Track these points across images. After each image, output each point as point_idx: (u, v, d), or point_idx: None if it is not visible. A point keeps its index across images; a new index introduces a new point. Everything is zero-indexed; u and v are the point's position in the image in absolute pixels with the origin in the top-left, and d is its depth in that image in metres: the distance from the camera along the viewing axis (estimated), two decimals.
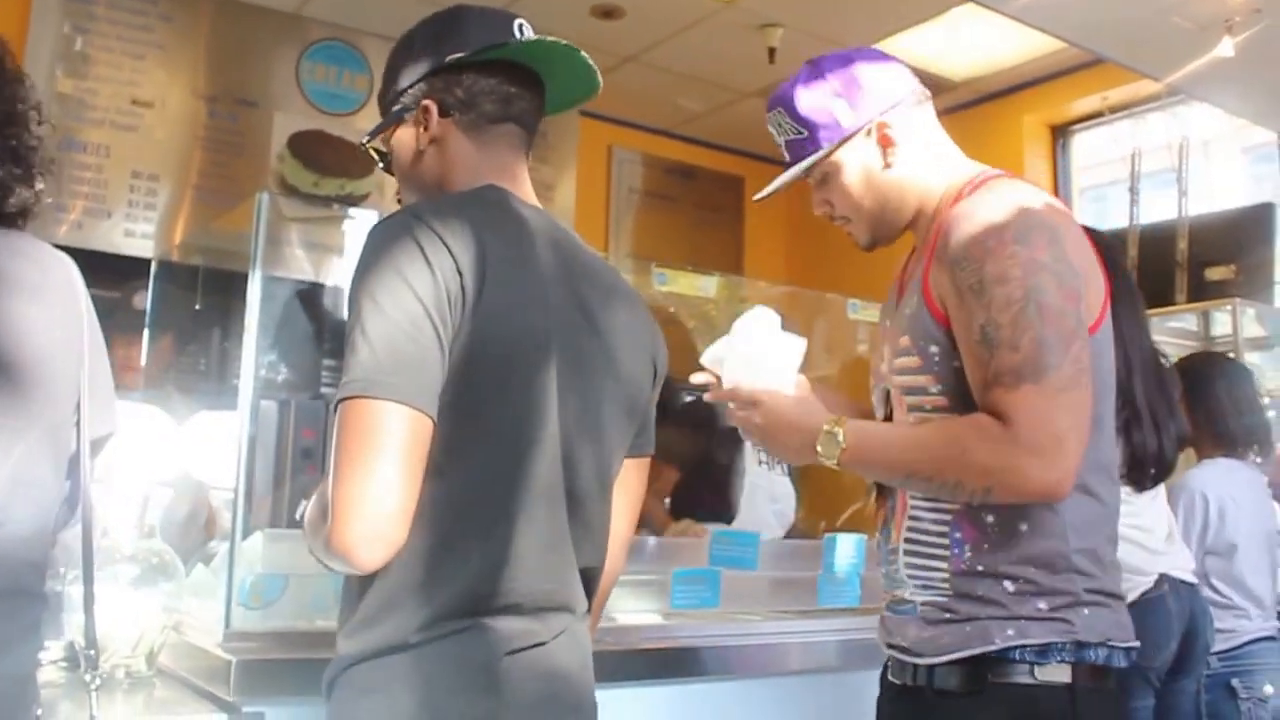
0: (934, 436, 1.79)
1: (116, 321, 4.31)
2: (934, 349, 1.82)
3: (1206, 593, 3.13)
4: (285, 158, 5.75)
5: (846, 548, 2.93)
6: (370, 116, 1.80)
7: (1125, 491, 2.73)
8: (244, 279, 2.22)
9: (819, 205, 2.05)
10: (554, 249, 1.69)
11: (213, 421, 2.73)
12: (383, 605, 1.52)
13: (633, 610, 2.66)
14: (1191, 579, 3.01)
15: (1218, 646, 3.15)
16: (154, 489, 2.33)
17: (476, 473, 1.55)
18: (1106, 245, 2.71)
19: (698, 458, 4.30)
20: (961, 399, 1.80)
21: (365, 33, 5.89)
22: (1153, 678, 2.94)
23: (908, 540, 1.90)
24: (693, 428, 4.26)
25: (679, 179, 7.33)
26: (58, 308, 1.71)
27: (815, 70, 1.96)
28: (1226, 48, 4.43)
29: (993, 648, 1.77)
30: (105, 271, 3.91)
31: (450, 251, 1.51)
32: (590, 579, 1.70)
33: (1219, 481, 3.40)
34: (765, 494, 4.44)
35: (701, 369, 2.01)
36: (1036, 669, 1.76)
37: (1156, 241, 5.80)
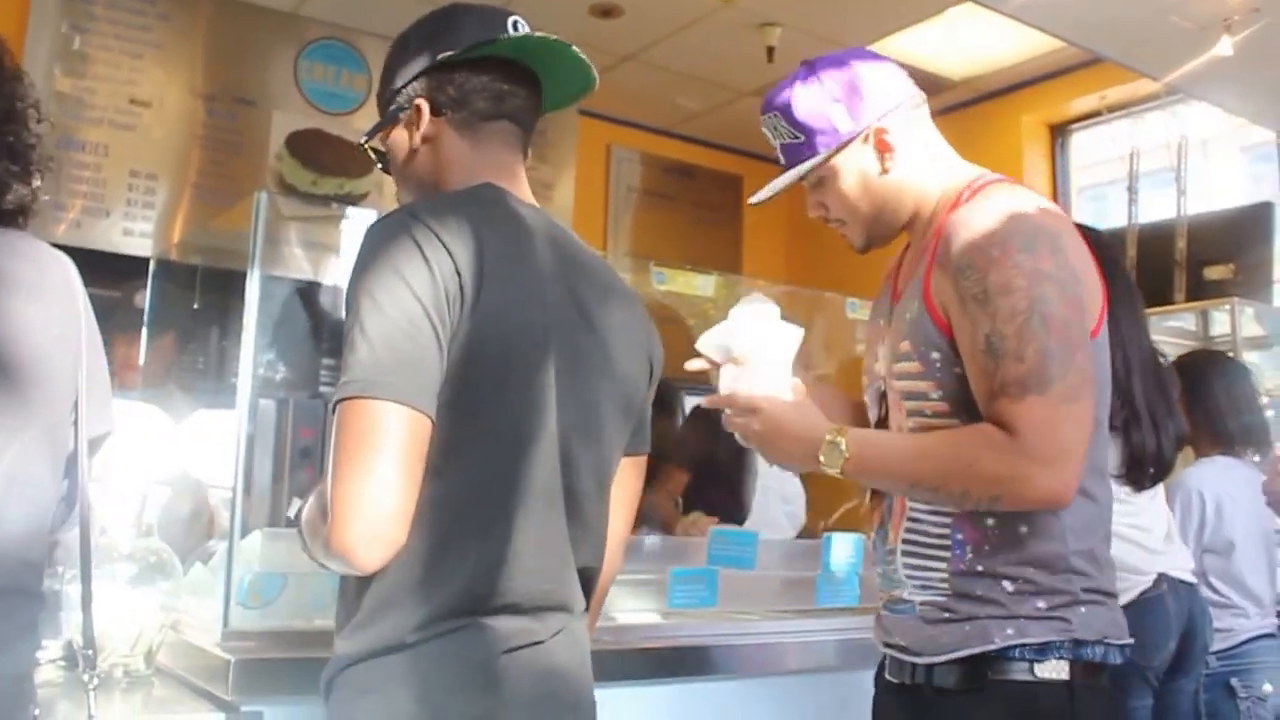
0: (939, 447, 1.79)
1: (117, 320, 4.31)
2: (935, 355, 1.83)
3: (1204, 592, 3.13)
4: (283, 157, 5.75)
5: (845, 547, 2.93)
6: (368, 115, 1.80)
7: (1124, 491, 2.73)
8: (242, 278, 2.22)
9: (814, 208, 2.04)
10: (551, 247, 1.69)
11: (211, 420, 2.73)
12: (380, 605, 1.51)
13: (631, 609, 2.66)
14: (1190, 578, 3.01)
15: (1216, 646, 3.15)
16: (152, 488, 2.33)
17: (474, 473, 1.54)
18: (1105, 245, 2.71)
19: (709, 459, 4.30)
20: (962, 405, 1.81)
21: (363, 32, 5.89)
22: (1151, 677, 2.93)
23: (906, 541, 1.90)
24: (704, 429, 4.26)
25: (678, 178, 7.33)
26: (55, 307, 1.71)
27: (812, 74, 1.94)
28: (1225, 47, 4.43)
29: (992, 647, 1.78)
30: (103, 270, 3.92)
31: (448, 250, 1.51)
32: (588, 578, 1.70)
33: (1216, 480, 3.40)
34: (777, 495, 4.45)
35: (693, 360, 2.01)
36: (1036, 666, 1.77)
37: (1155, 241, 5.80)
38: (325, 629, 1.66)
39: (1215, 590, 3.26)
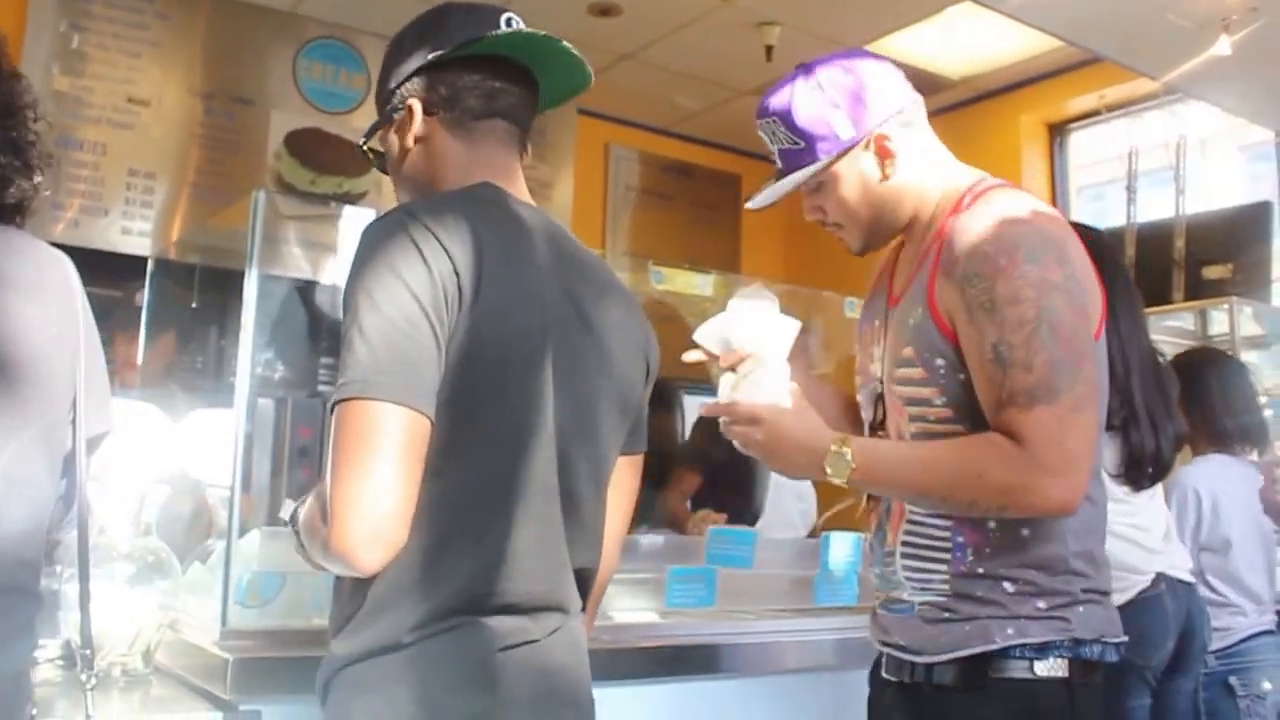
0: (947, 456, 1.79)
1: (118, 319, 4.31)
2: (940, 362, 1.83)
3: (1202, 590, 3.13)
4: (282, 156, 5.75)
5: (843, 546, 2.93)
6: (367, 115, 1.80)
7: (1123, 490, 2.73)
8: (241, 277, 2.21)
9: (811, 212, 2.03)
10: (548, 246, 1.68)
11: (209, 419, 2.73)
12: (377, 606, 1.51)
13: (629, 609, 2.66)
14: (1189, 578, 3.02)
15: (1214, 645, 3.15)
16: (150, 487, 2.33)
17: (472, 473, 1.54)
18: (1104, 244, 2.71)
19: (720, 460, 4.30)
20: (966, 411, 1.81)
21: (362, 31, 5.89)
22: (1149, 677, 2.94)
23: (905, 543, 1.90)
24: (714, 430, 4.27)
25: (676, 177, 7.33)
26: (54, 306, 1.70)
27: (812, 79, 1.93)
28: (1224, 46, 4.43)
29: (993, 646, 1.79)
30: (102, 270, 3.91)
31: (446, 250, 1.51)
32: (585, 579, 1.70)
33: (1212, 478, 3.40)
34: (791, 492, 4.46)
35: (691, 351, 2.01)
36: (1036, 665, 1.79)
37: (1154, 240, 5.80)
38: (323, 628, 1.66)
39: (1213, 589, 3.26)
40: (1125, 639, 1.87)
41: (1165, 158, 6.00)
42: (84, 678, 1.73)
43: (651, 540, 3.72)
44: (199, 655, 2.13)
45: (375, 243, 1.52)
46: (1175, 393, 2.81)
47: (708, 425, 4.56)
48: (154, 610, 2.15)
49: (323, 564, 1.52)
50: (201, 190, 5.52)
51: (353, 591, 1.54)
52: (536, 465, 1.58)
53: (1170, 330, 4.96)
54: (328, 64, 5.91)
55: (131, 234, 5.33)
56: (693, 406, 5.35)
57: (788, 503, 4.47)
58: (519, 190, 1.74)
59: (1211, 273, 5.69)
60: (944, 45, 5.86)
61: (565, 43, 1.72)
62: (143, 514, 2.25)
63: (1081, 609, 1.82)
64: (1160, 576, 2.92)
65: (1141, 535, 2.92)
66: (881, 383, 1.98)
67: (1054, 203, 6.37)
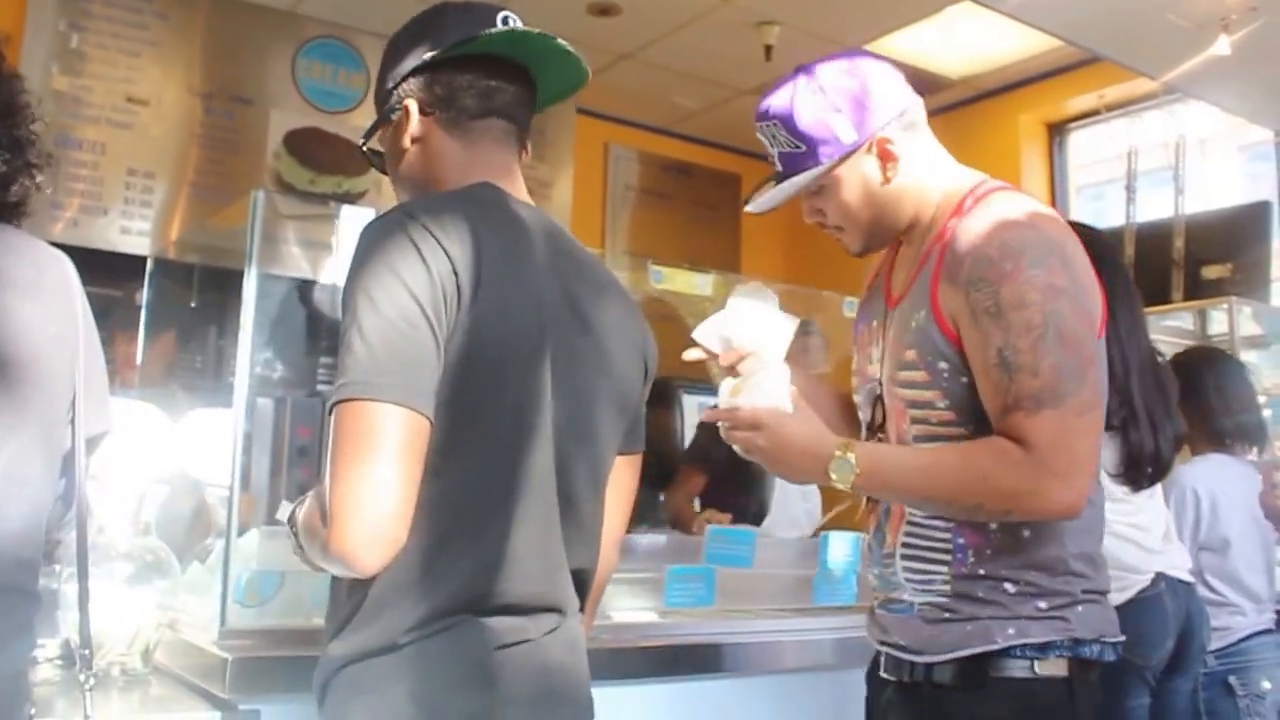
0: (952, 461, 1.79)
1: (118, 319, 4.31)
2: (943, 365, 1.83)
3: (1201, 590, 3.13)
4: (281, 155, 5.74)
5: (842, 546, 2.93)
6: (366, 114, 1.80)
7: (1122, 491, 2.73)
8: (240, 276, 2.21)
9: (811, 214, 2.02)
10: (547, 246, 1.68)
11: (208, 419, 2.73)
12: (375, 606, 1.51)
13: (628, 608, 2.66)
14: (1188, 578, 3.02)
15: (1213, 644, 3.15)
16: (149, 486, 2.33)
17: (470, 474, 1.54)
18: (1104, 244, 2.71)
19: (726, 459, 4.31)
20: (969, 414, 1.82)
21: (361, 30, 5.89)
22: (1149, 676, 2.94)
23: (905, 545, 1.90)
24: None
25: (676, 176, 7.33)
26: (53, 305, 1.70)
27: (813, 82, 1.91)
28: (1223, 46, 4.43)
29: (995, 646, 1.80)
30: (101, 269, 3.92)
31: (444, 250, 1.50)
32: (583, 580, 1.69)
33: (1210, 477, 3.40)
34: (797, 492, 4.46)
35: (690, 350, 2.00)
36: (1036, 664, 1.80)
37: (1153, 240, 5.81)
38: (322, 627, 1.66)
39: (1211, 588, 3.26)
40: (1123, 638, 1.88)
41: (1164, 157, 6.00)
42: (82, 678, 1.73)
43: (651, 540, 3.72)
44: (198, 655, 2.13)
45: (374, 243, 1.51)
46: (1175, 393, 2.81)
47: (712, 425, 4.57)
48: (153, 610, 2.15)
49: (322, 565, 1.52)
50: (201, 190, 5.51)
51: (350, 592, 1.53)
52: (535, 466, 1.57)
53: (1169, 330, 4.96)
54: (327, 63, 5.91)
55: (131, 233, 5.32)
56: (692, 405, 5.36)
57: (793, 502, 4.48)
58: (518, 189, 1.73)
59: (1211, 272, 5.69)
60: (943, 45, 5.86)
61: (560, 40, 1.71)
62: (142, 513, 2.26)
63: (1081, 609, 1.83)
64: (1160, 576, 2.92)
65: (1141, 535, 2.92)
66: (880, 384, 1.97)
67: (1053, 203, 6.37)
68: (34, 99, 1.78)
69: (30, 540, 1.64)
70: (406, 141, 1.73)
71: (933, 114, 2.01)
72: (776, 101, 1.93)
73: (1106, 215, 6.33)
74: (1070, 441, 1.71)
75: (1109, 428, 2.48)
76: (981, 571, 1.82)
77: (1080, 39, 4.88)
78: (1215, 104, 5.42)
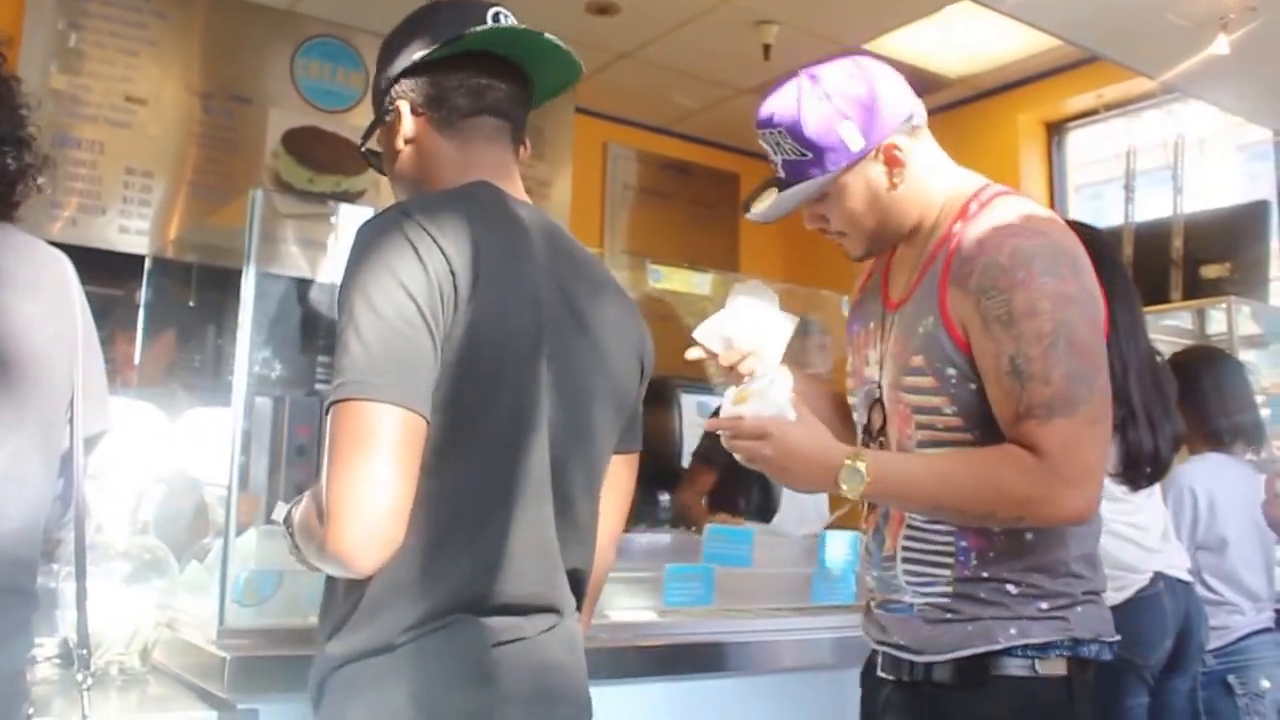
0: (964, 469, 1.80)
1: (117, 318, 4.31)
2: (951, 371, 1.83)
3: (1199, 589, 3.13)
4: (280, 154, 5.74)
5: (840, 545, 2.93)
6: (365, 113, 1.80)
7: (1121, 490, 2.73)
8: (238, 275, 2.21)
9: (813, 220, 2.00)
10: (544, 244, 1.68)
11: (207, 418, 2.73)
12: (371, 606, 1.50)
13: (627, 607, 2.66)
14: (1187, 577, 3.02)
15: (1212, 643, 3.15)
16: (148, 485, 2.32)
17: (467, 474, 1.53)
18: (1103, 243, 2.70)
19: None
20: (976, 420, 1.82)
21: (359, 29, 5.88)
22: (1147, 676, 2.94)
23: (906, 549, 1.90)
24: None
25: (674, 175, 7.33)
26: (52, 304, 1.71)
27: (819, 88, 1.88)
28: (1222, 45, 4.43)
29: (996, 646, 1.81)
30: (100, 268, 3.91)
31: (441, 249, 1.50)
32: (578, 579, 1.69)
33: (1207, 476, 3.40)
34: None
35: (691, 350, 2.00)
36: (1037, 663, 1.81)
37: (1152, 239, 5.80)
38: None
39: (1210, 588, 3.26)
40: (1118, 638, 1.90)
41: (1163, 157, 6.00)
42: (80, 677, 1.73)
43: (649, 539, 3.72)
44: (196, 654, 2.13)
45: (370, 242, 1.51)
46: (1173, 392, 2.81)
47: None
48: (151, 609, 2.15)
49: (318, 565, 1.51)
50: (199, 189, 5.51)
51: (347, 592, 1.53)
52: (532, 465, 1.57)
53: (1168, 329, 4.96)
54: (325, 62, 5.91)
55: (129, 232, 5.32)
56: (690, 405, 5.37)
57: (803, 499, 4.48)
58: (515, 188, 1.73)
59: (1209, 272, 5.70)
60: (942, 44, 5.86)
61: (550, 35, 1.69)
62: (140, 512, 2.25)
63: (1080, 609, 1.84)
64: (1158, 575, 2.93)
65: (1139, 534, 2.93)
66: (880, 387, 1.97)
67: (1051, 202, 6.38)
68: (33, 100, 1.78)
69: (29, 540, 1.64)
70: (400, 143, 1.73)
71: (931, 113, 2.00)
72: (781, 108, 1.90)
73: (1105, 215, 6.33)
74: (1082, 449, 1.72)
75: None
76: (985, 574, 1.83)
77: (1079, 38, 4.88)
78: (1214, 103, 5.42)
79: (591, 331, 1.70)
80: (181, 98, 5.54)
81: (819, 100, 1.87)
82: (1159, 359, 2.85)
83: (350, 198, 5.82)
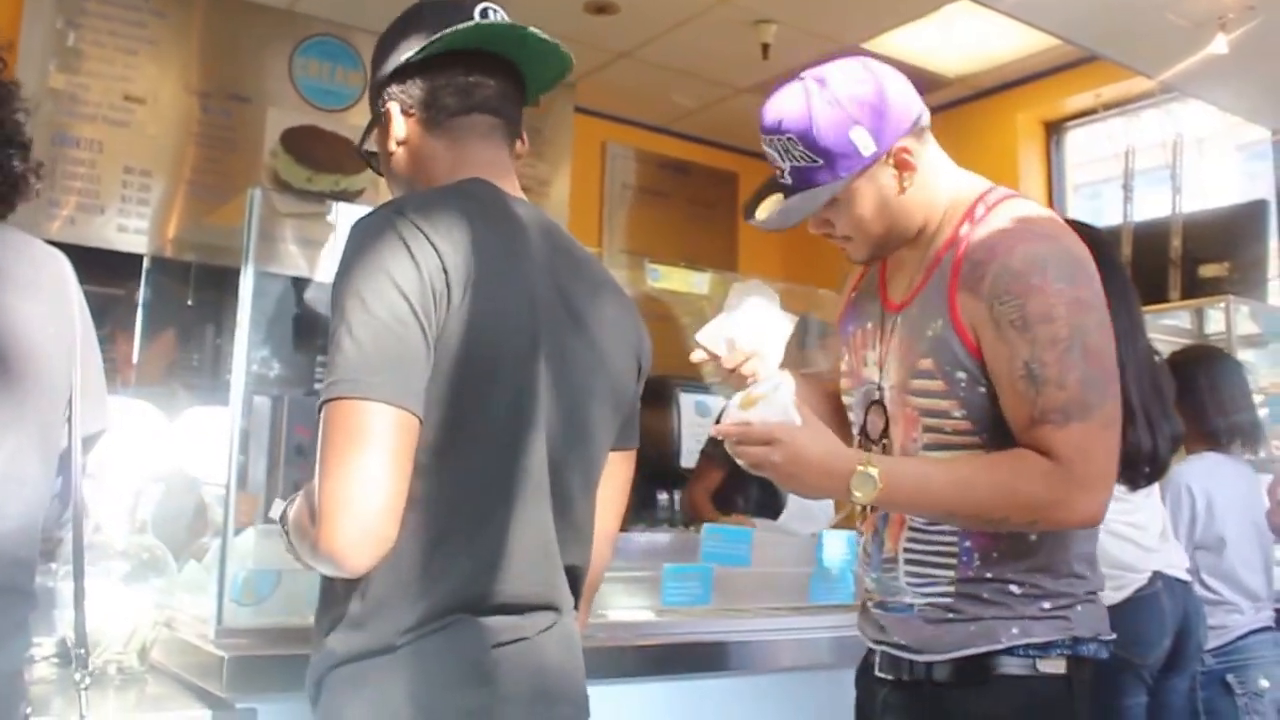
0: (978, 475, 1.79)
1: (115, 317, 4.31)
2: (961, 375, 1.82)
3: (1198, 589, 3.13)
4: (278, 153, 5.73)
5: (838, 544, 2.93)
6: (363, 112, 1.80)
7: (1119, 489, 2.73)
8: (237, 274, 2.21)
9: (818, 225, 1.97)
10: (543, 244, 1.68)
11: (205, 417, 2.72)
12: (371, 606, 1.50)
13: (624, 607, 2.66)
14: (1185, 577, 3.02)
15: (1211, 643, 3.16)
16: (146, 485, 2.32)
17: (465, 473, 1.53)
18: (1102, 242, 2.70)
19: None
20: (984, 423, 1.82)
21: (358, 28, 5.87)
22: (1145, 675, 2.94)
23: (908, 550, 1.90)
24: None
25: (673, 175, 7.33)
26: (50, 303, 1.71)
27: (828, 93, 1.84)
28: (1220, 45, 4.43)
29: (999, 646, 1.81)
30: (98, 267, 3.91)
31: (434, 247, 1.50)
32: (576, 577, 1.69)
33: (1205, 476, 3.40)
34: None
35: (695, 351, 1.99)
36: (1038, 662, 1.81)
37: (1150, 238, 5.80)
38: None
39: (1208, 587, 3.26)
40: (1114, 636, 1.90)
41: (1162, 156, 5.99)
42: (77, 676, 1.73)
43: (648, 538, 3.72)
44: (194, 653, 2.12)
45: (363, 240, 1.51)
46: (1172, 392, 2.81)
47: None
48: (149, 608, 2.15)
49: (311, 564, 1.51)
50: (198, 188, 5.50)
51: (345, 591, 1.52)
52: (530, 464, 1.57)
53: (1167, 329, 4.96)
54: (324, 61, 5.90)
55: (128, 231, 5.31)
56: (689, 404, 5.36)
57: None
58: (510, 185, 1.72)
59: (1208, 271, 5.69)
60: (941, 43, 5.86)
61: (533, 29, 1.68)
62: (138, 512, 2.25)
63: (1080, 608, 1.85)
64: (1157, 575, 2.93)
65: (1138, 534, 2.93)
66: (881, 389, 1.96)
67: (1050, 201, 6.38)
68: (31, 104, 1.78)
69: (27, 539, 1.64)
70: (392, 144, 1.73)
71: (930, 112, 1.98)
72: (790, 114, 1.86)
73: (1103, 214, 6.33)
74: (1097, 454, 1.74)
75: None
76: (988, 574, 1.83)
77: (1078, 38, 4.88)
78: (1213, 103, 5.42)
79: (589, 330, 1.69)
80: (180, 97, 5.53)
81: (830, 105, 1.84)
82: (1157, 359, 2.85)
83: (349, 197, 5.82)
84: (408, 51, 1.68)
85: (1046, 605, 1.82)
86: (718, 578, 2.72)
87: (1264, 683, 3.25)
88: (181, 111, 5.52)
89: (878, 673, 1.97)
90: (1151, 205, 6.04)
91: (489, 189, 1.66)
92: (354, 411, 1.43)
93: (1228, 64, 4.54)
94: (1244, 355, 4.70)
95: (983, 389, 1.81)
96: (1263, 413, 3.94)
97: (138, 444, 2.42)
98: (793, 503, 4.41)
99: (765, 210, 1.95)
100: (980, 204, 1.89)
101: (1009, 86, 6.42)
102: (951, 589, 1.85)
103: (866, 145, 1.84)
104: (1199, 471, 3.41)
